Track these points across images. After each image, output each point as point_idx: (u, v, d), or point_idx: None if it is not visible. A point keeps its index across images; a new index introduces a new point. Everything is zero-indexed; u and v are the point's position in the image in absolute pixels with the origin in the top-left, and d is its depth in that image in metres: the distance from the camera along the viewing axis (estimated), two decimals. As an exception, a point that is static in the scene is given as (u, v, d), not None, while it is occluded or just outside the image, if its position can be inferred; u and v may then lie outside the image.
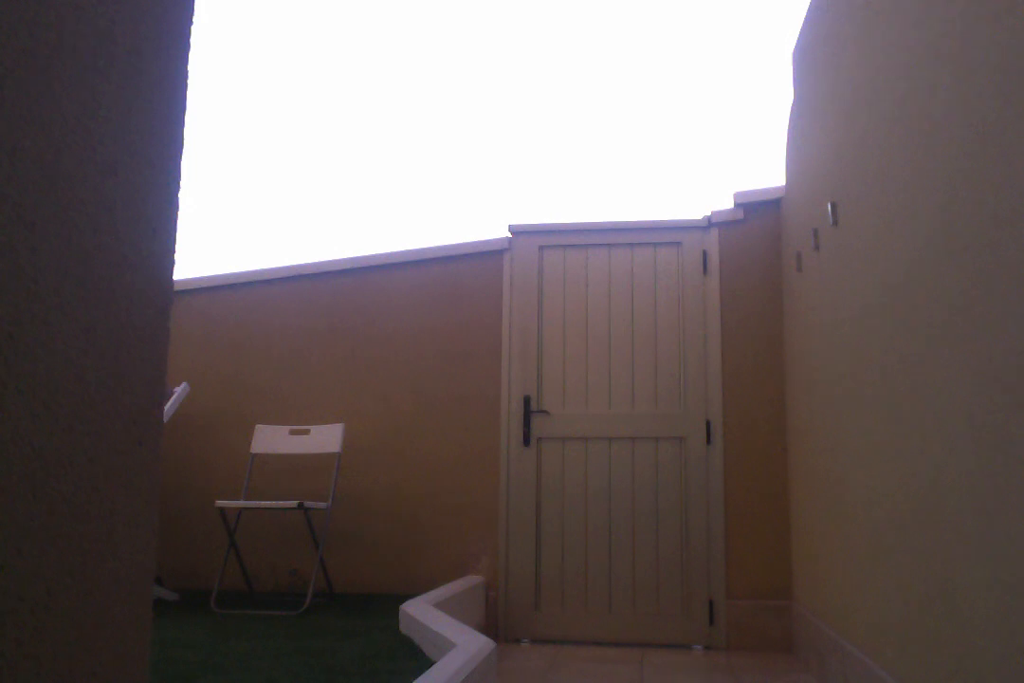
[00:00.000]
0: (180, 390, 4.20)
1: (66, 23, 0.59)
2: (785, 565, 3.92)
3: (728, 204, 4.28)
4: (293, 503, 3.79)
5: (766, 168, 5.07)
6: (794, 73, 3.81)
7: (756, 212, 4.24)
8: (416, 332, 4.44)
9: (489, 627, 3.97)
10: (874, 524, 2.36)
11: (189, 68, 0.74)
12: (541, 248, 4.39)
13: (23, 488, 0.54)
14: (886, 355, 2.22)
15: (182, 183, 0.73)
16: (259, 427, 4.31)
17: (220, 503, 3.87)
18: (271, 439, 4.28)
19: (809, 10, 3.40)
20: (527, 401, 4.22)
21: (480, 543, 4.20)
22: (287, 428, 4.30)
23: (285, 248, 6.06)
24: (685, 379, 4.14)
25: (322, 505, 3.98)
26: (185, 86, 0.73)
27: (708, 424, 4.08)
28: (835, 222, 2.83)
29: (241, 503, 4.03)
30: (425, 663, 2.50)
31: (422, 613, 3.07)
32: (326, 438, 4.21)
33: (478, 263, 4.47)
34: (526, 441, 4.19)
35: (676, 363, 4.17)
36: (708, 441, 4.06)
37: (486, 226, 4.82)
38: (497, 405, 4.28)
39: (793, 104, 3.85)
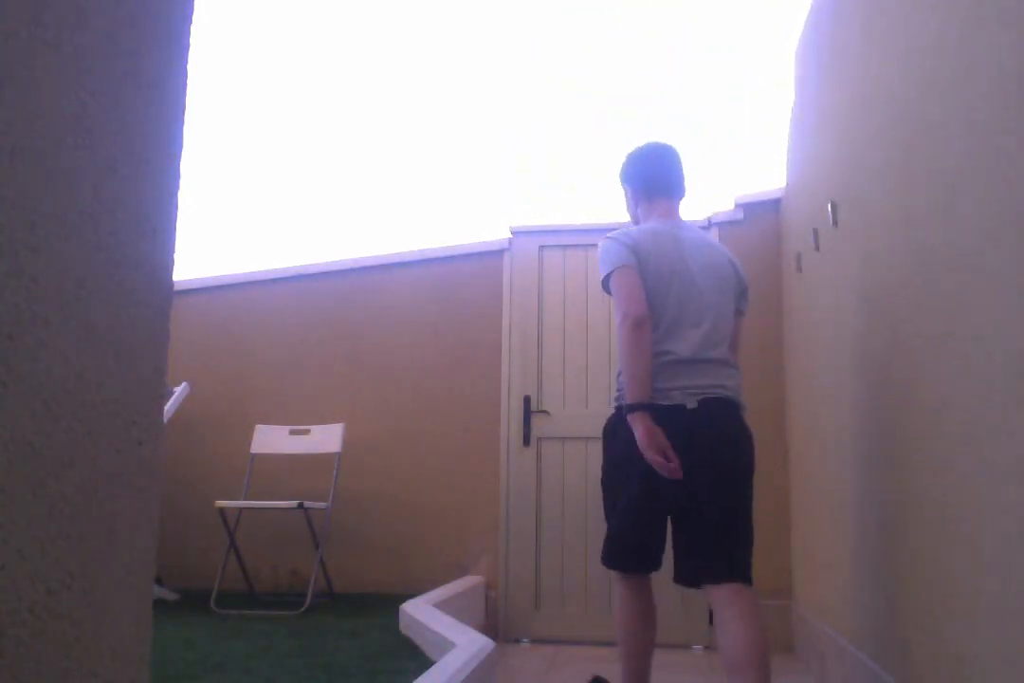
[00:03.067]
0: (180, 390, 4.20)
1: (66, 23, 0.59)
2: (785, 565, 3.91)
3: (729, 205, 4.27)
4: (293, 503, 3.79)
5: (767, 169, 5.07)
6: (795, 73, 3.81)
7: (756, 212, 4.24)
8: (416, 332, 4.44)
9: (489, 627, 3.96)
10: (874, 523, 2.36)
11: (189, 68, 0.74)
12: (541, 248, 4.39)
13: (23, 488, 0.54)
14: (886, 355, 2.22)
15: (182, 183, 0.73)
16: (259, 427, 4.31)
17: (220, 503, 3.87)
18: (271, 439, 4.28)
19: (810, 11, 3.40)
20: (527, 401, 4.21)
21: (480, 543, 4.19)
22: (287, 428, 4.30)
23: (285, 248, 6.06)
24: (685, 379, 4.13)
25: (322, 505, 3.98)
26: (185, 86, 0.73)
27: (708, 424, 4.07)
28: (835, 222, 2.83)
29: (241, 503, 4.03)
30: (425, 663, 2.50)
31: (422, 613, 3.07)
32: (326, 438, 4.21)
33: (478, 263, 4.47)
34: (526, 441, 4.19)
35: (676, 363, 4.16)
36: (708, 441, 4.05)
37: (487, 226, 4.82)
38: (497, 405, 4.27)
39: (794, 104, 3.85)
